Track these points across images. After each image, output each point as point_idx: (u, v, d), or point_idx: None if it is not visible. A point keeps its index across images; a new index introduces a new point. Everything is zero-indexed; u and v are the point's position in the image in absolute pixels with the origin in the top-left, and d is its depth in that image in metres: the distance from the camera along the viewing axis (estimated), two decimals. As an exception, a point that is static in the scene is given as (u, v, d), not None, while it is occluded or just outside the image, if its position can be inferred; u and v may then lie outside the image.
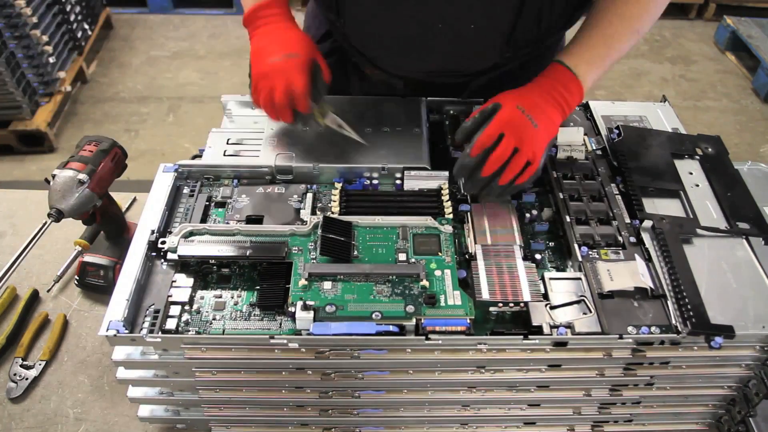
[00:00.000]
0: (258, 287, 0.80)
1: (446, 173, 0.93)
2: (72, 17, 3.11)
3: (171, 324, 0.75)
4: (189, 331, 0.75)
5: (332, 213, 0.89)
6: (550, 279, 0.80)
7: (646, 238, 0.83)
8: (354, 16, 1.00)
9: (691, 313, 0.73)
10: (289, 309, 0.76)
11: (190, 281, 0.80)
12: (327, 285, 0.78)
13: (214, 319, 0.77)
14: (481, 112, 0.86)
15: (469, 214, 0.87)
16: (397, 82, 1.09)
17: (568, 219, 0.86)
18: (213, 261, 0.82)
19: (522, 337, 0.73)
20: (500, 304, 0.76)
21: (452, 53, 0.98)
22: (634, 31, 0.90)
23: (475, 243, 0.82)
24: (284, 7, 0.97)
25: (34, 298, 1.08)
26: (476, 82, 1.07)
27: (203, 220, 0.88)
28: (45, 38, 2.80)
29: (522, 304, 0.76)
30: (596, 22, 0.90)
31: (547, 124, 0.84)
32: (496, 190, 0.84)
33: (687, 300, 0.74)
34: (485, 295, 0.76)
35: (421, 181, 0.93)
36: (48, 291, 1.09)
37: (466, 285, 0.79)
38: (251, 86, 0.94)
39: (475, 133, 0.83)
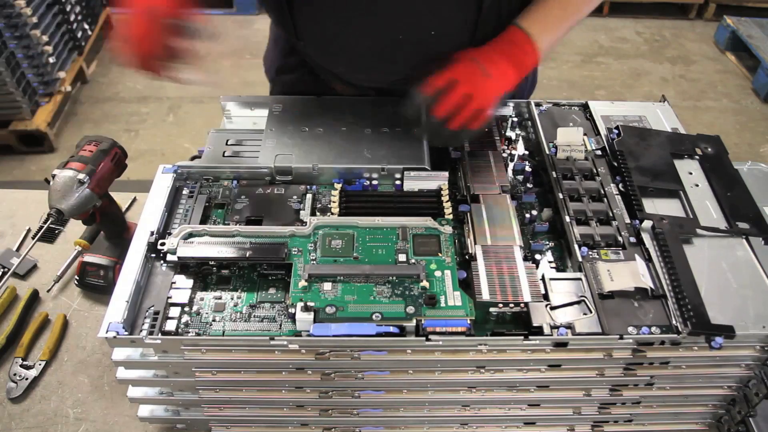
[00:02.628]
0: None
1: (446, 174, 0.93)
2: (72, 17, 3.11)
3: (171, 325, 0.75)
4: (189, 332, 0.75)
5: (332, 214, 0.89)
6: (550, 279, 0.80)
7: (646, 238, 0.83)
8: (312, 37, 1.02)
9: (692, 313, 0.73)
10: (289, 310, 0.76)
11: (190, 282, 0.80)
12: (327, 286, 0.78)
13: (213, 320, 0.77)
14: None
15: (468, 214, 0.87)
16: (369, 92, 1.09)
17: (567, 219, 0.86)
18: (212, 262, 0.82)
19: (522, 337, 0.73)
20: (500, 305, 0.76)
21: (417, 61, 0.98)
22: None
23: (475, 243, 0.82)
24: None
25: (34, 298, 1.08)
26: None
27: (203, 222, 0.88)
28: (45, 38, 2.80)
29: (522, 305, 0.76)
30: None
31: (500, 76, 0.87)
32: (445, 134, 0.87)
33: (687, 300, 0.74)
34: (485, 295, 0.76)
35: (420, 181, 0.93)
36: (48, 291, 1.09)
37: (467, 286, 0.79)
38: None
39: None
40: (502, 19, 0.95)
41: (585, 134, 0.99)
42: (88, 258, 1.05)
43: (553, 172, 0.93)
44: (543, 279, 0.80)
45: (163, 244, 0.82)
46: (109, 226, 1.06)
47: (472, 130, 0.87)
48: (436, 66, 0.90)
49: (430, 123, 0.86)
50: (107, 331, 0.72)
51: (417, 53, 0.97)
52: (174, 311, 0.77)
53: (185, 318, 0.77)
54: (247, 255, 0.81)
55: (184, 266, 0.82)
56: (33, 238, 0.95)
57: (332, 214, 0.89)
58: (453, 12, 0.92)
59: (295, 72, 1.16)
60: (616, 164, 0.94)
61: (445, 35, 0.94)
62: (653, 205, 0.87)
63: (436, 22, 0.92)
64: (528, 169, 0.98)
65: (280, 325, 0.76)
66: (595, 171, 0.94)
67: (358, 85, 1.08)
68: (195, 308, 0.78)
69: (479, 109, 0.85)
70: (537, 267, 0.83)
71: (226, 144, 0.99)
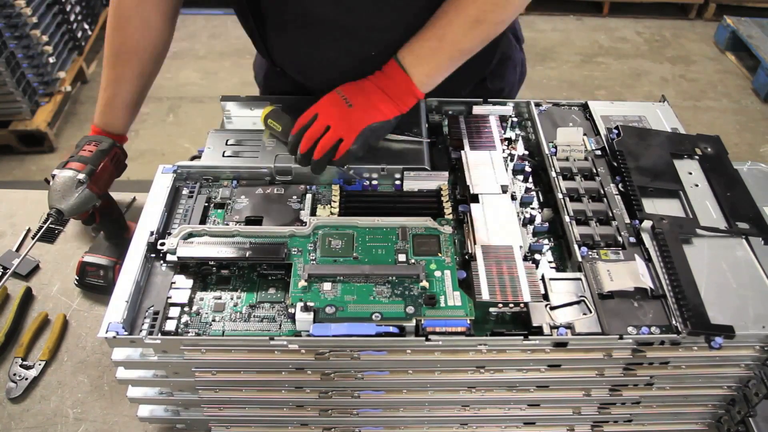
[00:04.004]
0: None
1: (446, 174, 0.93)
2: (72, 17, 3.11)
3: (170, 325, 0.75)
4: (188, 332, 0.75)
5: (332, 214, 0.89)
6: (550, 279, 0.80)
7: (645, 238, 0.83)
8: (287, 61, 1.04)
9: (691, 313, 0.73)
10: (289, 310, 0.76)
11: (190, 283, 0.80)
12: (327, 286, 0.78)
13: (213, 320, 0.77)
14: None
15: (468, 214, 0.87)
16: None
17: (567, 219, 0.86)
18: (212, 262, 0.82)
19: (522, 337, 0.73)
20: (500, 305, 0.76)
21: None
22: (473, 20, 0.86)
23: (475, 243, 0.82)
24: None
25: (28, 295, 1.08)
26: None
27: (202, 222, 0.88)
28: (45, 38, 2.81)
29: (522, 305, 0.76)
30: (437, 13, 0.89)
31: (365, 106, 0.87)
32: (312, 165, 0.88)
33: (687, 300, 0.74)
34: (485, 295, 0.76)
35: (420, 181, 0.93)
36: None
37: (467, 286, 0.79)
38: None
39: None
40: None
41: (585, 134, 0.99)
42: (88, 258, 1.05)
43: (553, 172, 0.93)
44: (543, 279, 0.80)
45: (162, 244, 0.82)
46: (108, 226, 1.06)
47: (336, 160, 0.88)
48: None
49: (298, 157, 0.89)
50: (107, 331, 0.72)
51: None
52: (174, 311, 0.77)
53: (185, 318, 0.77)
54: (247, 255, 0.81)
55: (183, 266, 0.82)
56: (33, 238, 0.95)
57: (332, 214, 0.89)
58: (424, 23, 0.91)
59: (283, 77, 1.16)
60: (615, 164, 0.94)
61: None
62: (653, 205, 0.87)
63: (409, 35, 0.91)
64: (528, 169, 0.98)
65: (280, 325, 0.76)
66: (594, 171, 0.94)
67: None
68: (195, 308, 0.78)
69: (339, 138, 0.86)
70: (537, 267, 0.83)
71: (226, 144, 0.99)
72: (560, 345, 0.74)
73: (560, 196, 0.89)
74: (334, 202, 0.90)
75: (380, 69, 0.93)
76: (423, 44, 0.88)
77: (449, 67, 0.90)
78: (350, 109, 0.86)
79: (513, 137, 1.05)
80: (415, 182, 0.93)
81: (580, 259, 0.81)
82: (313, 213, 0.89)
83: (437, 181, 0.93)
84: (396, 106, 0.88)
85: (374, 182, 0.95)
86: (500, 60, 1.13)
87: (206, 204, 0.91)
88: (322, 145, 0.86)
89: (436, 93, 1.00)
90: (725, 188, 0.90)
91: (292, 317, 0.75)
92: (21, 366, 0.97)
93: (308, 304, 0.75)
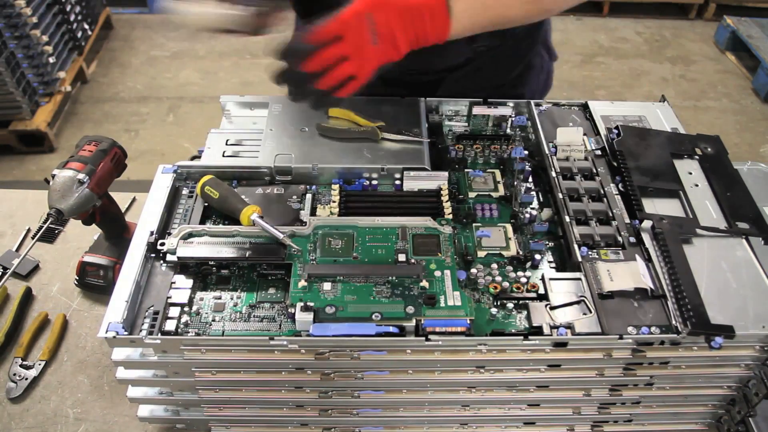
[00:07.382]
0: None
1: (446, 174, 0.93)
2: (72, 17, 3.12)
3: (170, 325, 0.75)
4: (188, 332, 0.75)
5: (332, 214, 0.89)
6: (550, 279, 0.80)
7: (645, 238, 0.83)
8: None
9: (691, 313, 0.73)
10: (289, 310, 0.76)
11: (190, 282, 0.80)
12: (327, 286, 0.78)
13: (213, 320, 0.77)
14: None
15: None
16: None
17: (567, 219, 0.86)
18: (212, 262, 0.82)
19: (522, 337, 0.73)
20: None
21: (423, 51, 0.97)
22: None
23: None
24: None
25: (28, 295, 1.08)
26: (451, 77, 1.06)
27: (202, 222, 0.88)
28: (45, 38, 2.81)
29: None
30: None
31: (388, 48, 0.78)
32: (309, 92, 0.79)
33: (687, 300, 0.74)
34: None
35: (420, 181, 0.93)
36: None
37: (467, 285, 0.79)
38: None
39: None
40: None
41: (585, 134, 0.99)
42: (88, 258, 1.05)
43: (553, 172, 0.93)
44: (543, 279, 0.80)
45: (162, 244, 0.82)
46: (108, 226, 1.06)
47: (334, 97, 0.80)
48: (439, 60, 0.84)
49: (296, 73, 0.77)
50: (107, 331, 0.72)
51: None
52: (174, 311, 0.77)
53: (185, 318, 0.77)
54: (247, 255, 0.81)
55: (183, 266, 0.82)
56: (33, 238, 0.95)
57: (332, 214, 0.89)
58: None
59: None
60: (615, 164, 0.94)
61: None
62: (653, 205, 0.87)
63: None
64: (528, 168, 0.97)
65: (280, 325, 0.76)
66: (594, 171, 0.94)
67: None
68: (195, 308, 0.78)
69: (352, 75, 0.77)
70: (537, 267, 0.83)
71: (226, 144, 0.99)
72: (560, 345, 0.74)
73: (560, 196, 0.89)
74: (334, 202, 0.90)
75: None
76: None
77: (485, 29, 0.84)
78: (375, 47, 0.76)
79: (513, 137, 1.05)
80: (415, 182, 0.93)
81: (580, 259, 0.81)
82: (313, 213, 0.89)
83: (437, 181, 0.93)
84: (411, 46, 0.79)
85: (374, 182, 0.95)
86: (524, 68, 1.13)
87: (206, 204, 0.91)
88: (332, 76, 0.76)
89: (455, 94, 0.99)
90: (725, 188, 0.90)
91: (292, 317, 0.75)
92: (21, 366, 0.97)
93: (308, 304, 0.75)
